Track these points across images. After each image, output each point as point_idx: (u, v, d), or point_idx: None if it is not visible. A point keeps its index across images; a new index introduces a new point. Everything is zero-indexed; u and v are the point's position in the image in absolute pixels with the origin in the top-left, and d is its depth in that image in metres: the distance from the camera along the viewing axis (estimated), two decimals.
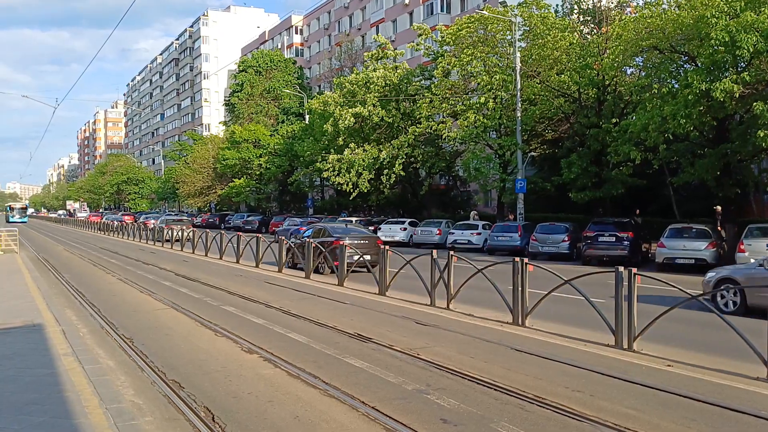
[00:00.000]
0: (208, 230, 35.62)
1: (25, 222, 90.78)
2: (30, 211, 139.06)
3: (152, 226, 41.18)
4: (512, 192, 33.42)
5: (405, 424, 6.25)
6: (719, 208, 24.85)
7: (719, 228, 23.74)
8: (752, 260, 19.23)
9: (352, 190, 41.26)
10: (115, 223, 54.58)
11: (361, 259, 17.81)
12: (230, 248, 26.41)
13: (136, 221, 55.20)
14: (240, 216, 61.44)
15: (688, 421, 6.43)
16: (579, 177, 29.49)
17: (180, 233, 34.42)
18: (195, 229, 37.38)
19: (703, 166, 24.10)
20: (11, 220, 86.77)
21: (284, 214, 57.22)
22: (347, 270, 17.48)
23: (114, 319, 12.25)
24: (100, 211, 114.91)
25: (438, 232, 34.19)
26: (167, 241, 35.69)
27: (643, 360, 8.77)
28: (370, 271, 17.17)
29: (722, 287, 13.08)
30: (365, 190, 41.32)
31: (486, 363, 8.71)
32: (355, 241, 20.21)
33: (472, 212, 39.04)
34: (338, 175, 41.33)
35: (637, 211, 29.46)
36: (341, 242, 18.57)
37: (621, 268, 9.56)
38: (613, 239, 23.80)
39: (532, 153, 34.69)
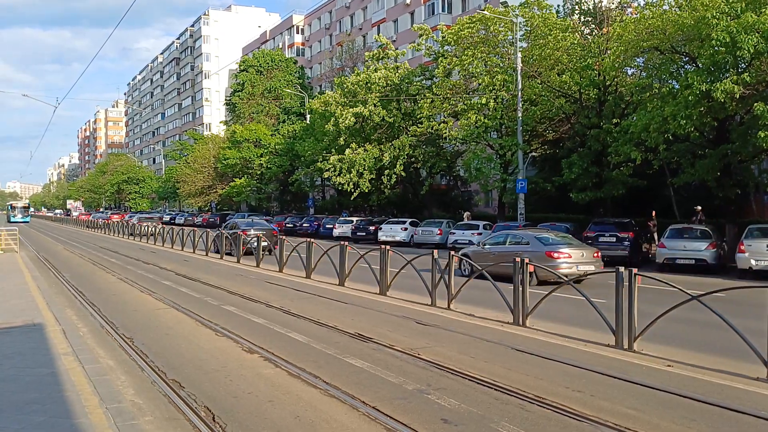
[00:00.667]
0: (208, 230, 35.67)
1: (27, 222, 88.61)
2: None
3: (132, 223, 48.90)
4: (513, 192, 33.39)
5: (405, 424, 6.26)
6: (700, 207, 25.33)
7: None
8: (752, 260, 19.31)
9: (353, 190, 41.25)
10: (100, 220, 64.01)
11: (258, 243, 23.34)
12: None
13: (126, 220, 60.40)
14: (241, 216, 61.43)
15: (688, 421, 6.43)
16: (580, 177, 29.47)
17: (153, 228, 41.28)
18: (164, 225, 45.68)
19: (703, 166, 24.10)
20: (12, 219, 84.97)
21: (285, 214, 57.28)
22: (243, 251, 24.69)
23: (114, 319, 12.26)
24: (101, 210, 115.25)
25: (439, 232, 34.17)
26: (139, 234, 43.34)
27: (643, 360, 8.77)
28: (271, 253, 23.91)
29: (462, 260, 17.63)
30: (366, 190, 41.30)
31: (486, 363, 8.71)
32: (257, 231, 26.46)
33: (465, 213, 39.22)
34: (339, 175, 41.31)
35: (653, 213, 29.10)
36: (246, 232, 26.52)
37: (621, 269, 9.56)
38: (614, 239, 23.79)
39: (533, 153, 34.66)
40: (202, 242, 21.94)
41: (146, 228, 42.51)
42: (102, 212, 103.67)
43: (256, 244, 23.55)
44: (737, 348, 8.47)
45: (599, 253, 18.38)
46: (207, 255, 28.08)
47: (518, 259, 11.46)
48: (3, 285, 17.41)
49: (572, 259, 17.24)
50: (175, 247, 33.30)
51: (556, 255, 17.25)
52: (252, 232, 26.50)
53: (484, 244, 20.06)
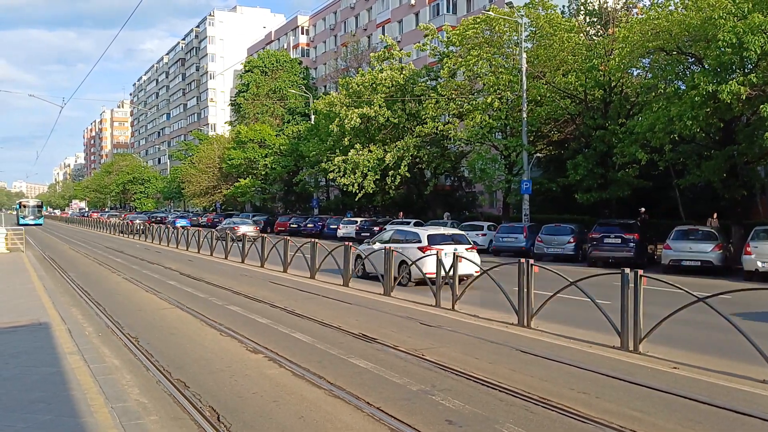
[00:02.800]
0: (213, 230, 35.72)
1: (40, 224, 73.64)
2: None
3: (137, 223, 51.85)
4: (518, 193, 33.36)
5: (410, 425, 6.25)
6: (643, 209, 26.45)
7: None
8: (758, 262, 19.24)
9: (357, 191, 41.27)
10: (83, 217, 75.89)
11: (246, 234, 29.88)
12: (235, 248, 26.48)
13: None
14: (245, 216, 61.54)
15: (694, 423, 6.41)
16: (585, 178, 29.41)
17: (141, 226, 47.60)
18: (153, 223, 51.05)
19: (709, 167, 24.03)
20: (23, 222, 69.51)
21: (289, 215, 57.35)
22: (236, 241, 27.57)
23: (119, 318, 12.29)
24: (106, 210, 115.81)
25: None
26: (131, 232, 48.83)
27: (648, 362, 8.74)
28: (253, 243, 25.53)
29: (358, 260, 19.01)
30: (371, 191, 41.30)
31: (491, 364, 8.70)
32: (245, 226, 38.62)
33: (445, 213, 40.44)
34: (344, 176, 41.32)
35: (642, 210, 29.37)
36: (237, 227, 37.22)
37: (627, 270, 9.53)
38: (619, 241, 23.73)
39: (538, 154, 34.59)
40: (277, 254, 21.86)
41: (139, 226, 47.85)
42: (112, 211, 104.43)
43: (241, 233, 30.87)
44: (743, 350, 8.44)
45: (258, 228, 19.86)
46: (212, 255, 28.13)
47: (523, 260, 11.44)
48: (9, 284, 17.47)
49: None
50: (180, 247, 33.38)
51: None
52: (242, 227, 37.96)
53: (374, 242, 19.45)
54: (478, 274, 14.20)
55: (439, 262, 13.74)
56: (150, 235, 41.84)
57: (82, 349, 9.35)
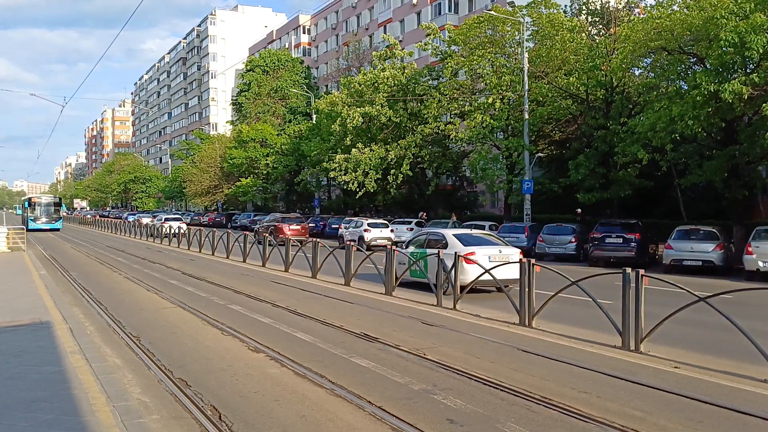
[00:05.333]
0: (215, 229, 35.75)
1: (58, 230, 54.34)
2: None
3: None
4: (519, 193, 33.35)
5: (411, 424, 6.25)
6: (580, 210, 27.99)
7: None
8: (760, 262, 19.24)
9: (358, 190, 41.27)
10: (103, 217, 73.48)
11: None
12: (237, 248, 26.50)
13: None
14: (247, 215, 61.62)
15: (695, 423, 6.41)
16: (586, 178, 29.40)
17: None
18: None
19: (711, 167, 24.01)
20: (34, 226, 51.62)
21: (290, 214, 57.37)
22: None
23: (121, 318, 12.30)
24: (108, 210, 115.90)
25: None
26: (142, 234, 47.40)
27: (650, 361, 8.74)
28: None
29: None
30: (372, 190, 41.30)
31: (492, 363, 8.70)
32: (296, 225, 37.37)
33: (420, 213, 41.14)
34: (345, 174, 41.33)
35: (578, 211, 30.17)
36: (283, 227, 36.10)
37: (629, 270, 9.53)
38: (620, 240, 23.73)
39: (540, 154, 34.58)
40: (278, 253, 21.86)
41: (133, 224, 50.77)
42: (114, 210, 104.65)
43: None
44: (744, 350, 8.44)
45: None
46: (213, 254, 28.15)
47: (525, 260, 11.44)
48: (11, 283, 17.48)
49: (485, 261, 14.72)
50: (181, 247, 33.41)
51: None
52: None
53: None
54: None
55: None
56: (152, 235, 41.88)
57: (83, 348, 9.36)
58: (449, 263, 13.91)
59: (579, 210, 31.08)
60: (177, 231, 37.86)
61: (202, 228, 35.01)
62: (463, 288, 13.43)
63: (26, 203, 56.72)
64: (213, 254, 28.24)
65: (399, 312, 12.95)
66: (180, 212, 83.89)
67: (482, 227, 32.28)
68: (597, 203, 30.28)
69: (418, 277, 15.79)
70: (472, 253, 14.81)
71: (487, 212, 43.22)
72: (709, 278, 19.53)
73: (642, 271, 9.35)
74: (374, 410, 6.69)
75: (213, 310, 13.20)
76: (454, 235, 16.55)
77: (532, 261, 11.41)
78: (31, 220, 53.37)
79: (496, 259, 14.80)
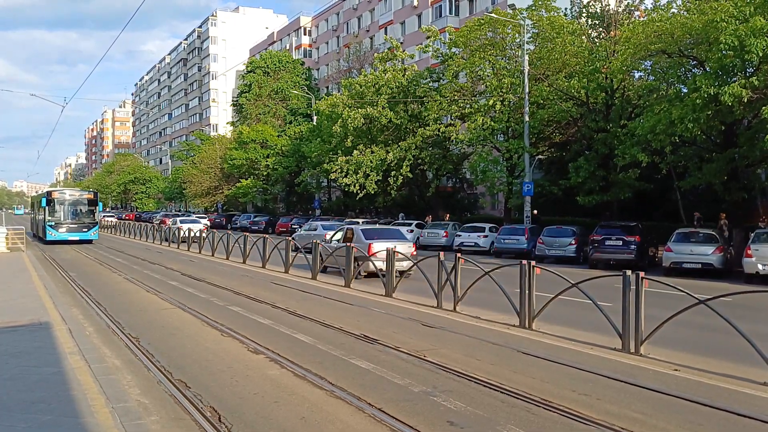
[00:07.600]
0: (215, 230, 35.75)
1: (91, 240, 37.86)
2: (25, 210, 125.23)
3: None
4: (519, 195, 33.36)
5: (411, 426, 6.25)
6: (536, 211, 29.53)
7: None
8: (759, 265, 19.25)
9: (358, 191, 41.28)
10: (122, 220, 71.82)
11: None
12: (237, 249, 26.49)
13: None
14: (247, 216, 61.55)
15: (695, 425, 6.41)
16: (586, 181, 29.40)
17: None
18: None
19: (710, 170, 24.03)
20: (56, 236, 36.39)
21: (291, 215, 57.37)
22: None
23: (120, 319, 12.29)
24: (108, 210, 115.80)
25: (444, 234, 34.10)
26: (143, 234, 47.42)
27: (650, 364, 8.74)
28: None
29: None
30: (372, 192, 41.30)
31: (492, 365, 8.70)
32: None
33: (400, 214, 42.58)
34: (346, 176, 41.33)
35: (535, 212, 30.43)
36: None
37: (629, 272, 9.52)
38: (620, 243, 23.73)
39: (540, 156, 34.60)
40: (279, 255, 21.85)
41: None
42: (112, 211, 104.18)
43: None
44: (744, 352, 8.43)
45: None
46: (213, 255, 28.15)
47: (525, 262, 11.44)
48: (10, 284, 17.47)
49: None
50: (180, 248, 33.40)
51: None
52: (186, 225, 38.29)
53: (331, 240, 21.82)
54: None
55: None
56: (151, 236, 41.88)
57: (82, 349, 9.35)
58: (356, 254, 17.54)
59: (535, 211, 32.06)
60: (197, 234, 33.50)
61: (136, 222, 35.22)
62: (364, 273, 18.17)
63: (43, 200, 37.73)
64: (213, 255, 28.23)
65: (399, 314, 12.94)
66: (195, 213, 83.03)
67: (482, 229, 32.37)
68: (597, 205, 30.29)
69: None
70: (371, 246, 18.23)
71: (487, 214, 43.20)
72: (709, 281, 19.55)
73: (642, 274, 9.35)
74: (374, 412, 6.69)
75: (213, 311, 13.20)
76: (361, 230, 20.10)
77: (532, 263, 11.41)
78: (50, 226, 36.57)
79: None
